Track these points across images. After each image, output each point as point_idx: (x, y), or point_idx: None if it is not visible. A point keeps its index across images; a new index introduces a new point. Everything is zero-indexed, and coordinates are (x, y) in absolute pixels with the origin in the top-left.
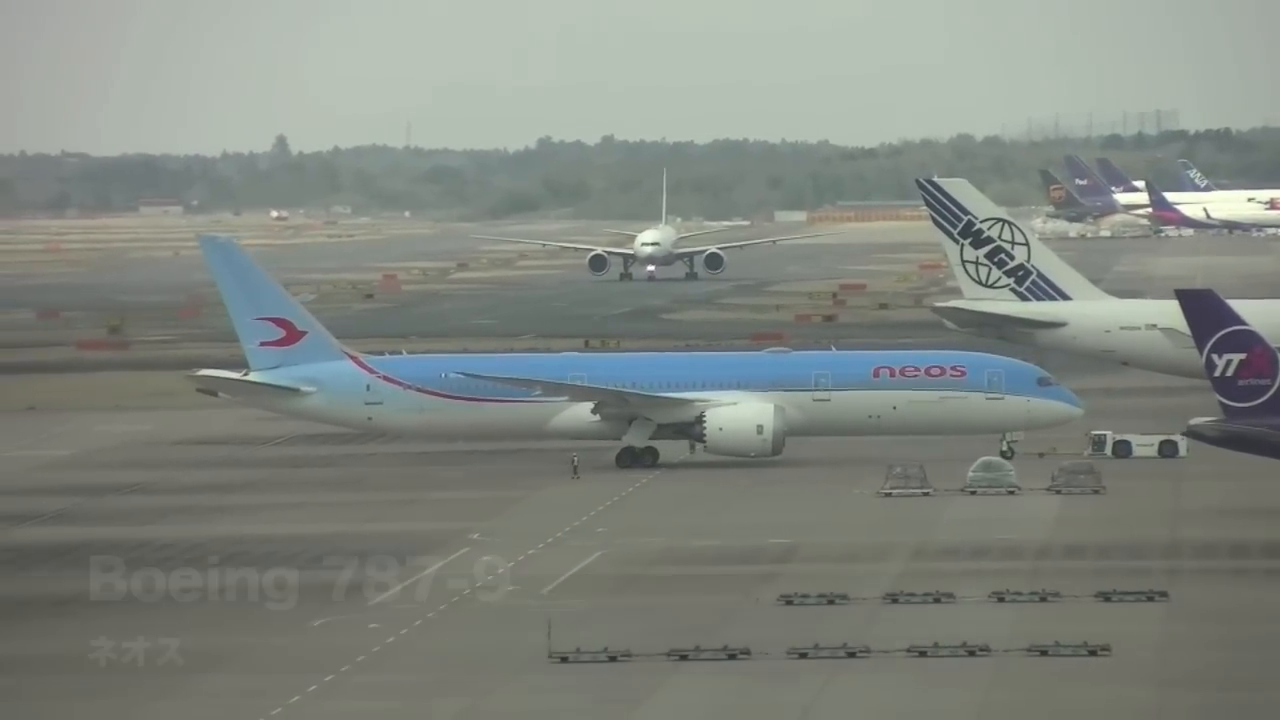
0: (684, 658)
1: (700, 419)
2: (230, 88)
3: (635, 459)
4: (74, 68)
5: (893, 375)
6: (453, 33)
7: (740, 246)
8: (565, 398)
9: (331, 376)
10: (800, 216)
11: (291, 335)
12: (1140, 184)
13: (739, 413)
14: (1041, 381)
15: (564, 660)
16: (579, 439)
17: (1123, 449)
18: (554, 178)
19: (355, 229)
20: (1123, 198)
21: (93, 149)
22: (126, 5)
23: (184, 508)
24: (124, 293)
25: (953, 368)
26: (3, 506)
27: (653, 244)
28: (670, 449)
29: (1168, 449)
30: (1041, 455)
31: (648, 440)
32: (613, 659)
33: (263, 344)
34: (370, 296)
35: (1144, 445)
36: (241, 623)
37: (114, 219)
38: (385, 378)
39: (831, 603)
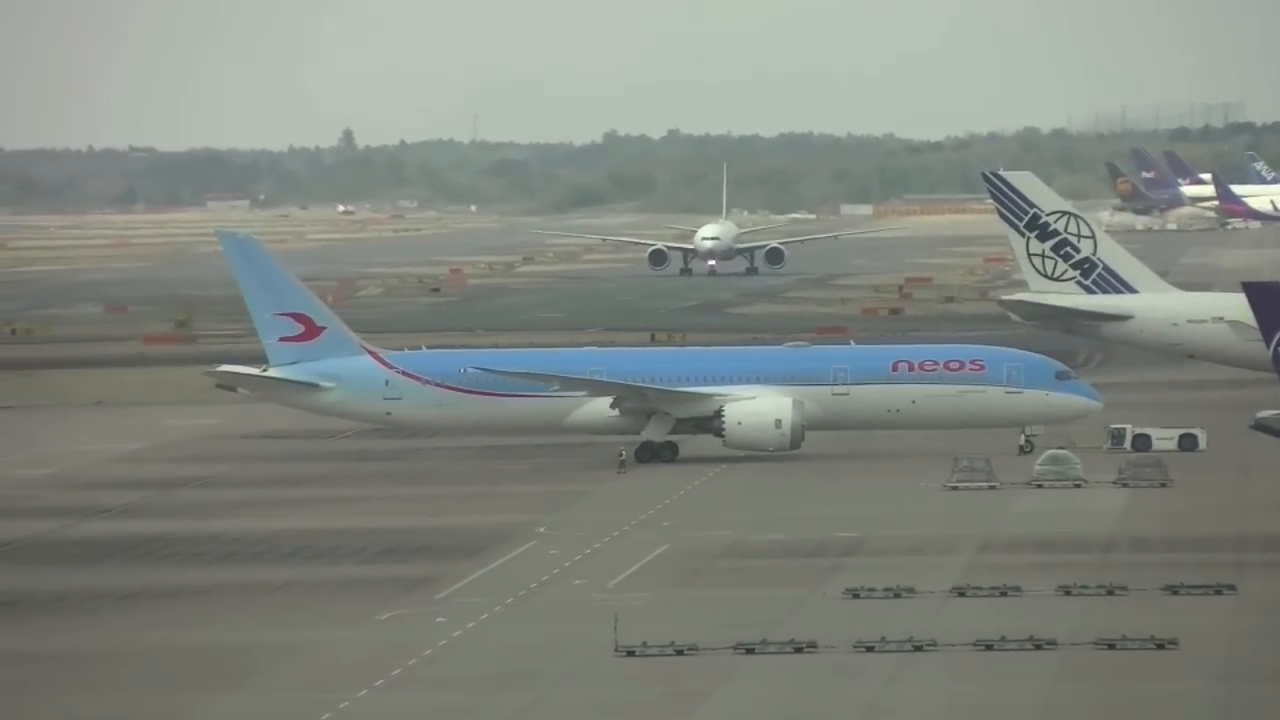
0: (750, 651)
1: (719, 413)
2: (296, 82)
3: (654, 454)
4: (142, 63)
5: (911, 370)
6: (519, 27)
7: (801, 241)
8: (583, 393)
9: (350, 372)
10: (866, 210)
11: (310, 331)
12: (1207, 176)
13: (757, 407)
14: (1060, 375)
15: (630, 654)
16: (598, 434)
17: (1142, 442)
18: (619, 171)
19: (421, 223)
20: (1189, 190)
21: (160, 144)
22: (194, 3)
23: (251, 501)
24: (191, 287)
25: (971, 362)
26: (72, 500)
27: (713, 239)
28: (689, 444)
29: (1187, 442)
30: (1060, 449)
31: (667, 435)
32: (679, 652)
33: (282, 339)
34: (436, 290)
35: (1163, 438)
36: (309, 617)
37: (181, 213)
38: (404, 373)
39: (898, 596)
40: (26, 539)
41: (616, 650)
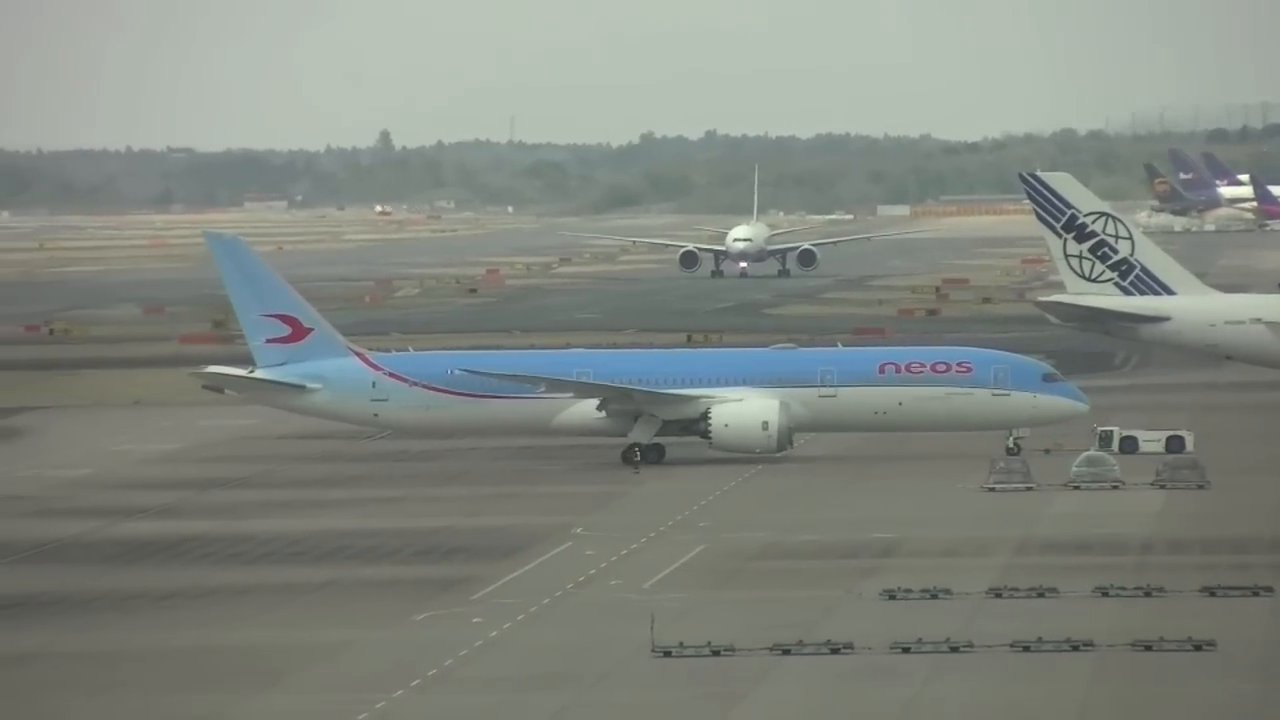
0: (786, 652)
1: (705, 415)
2: (334, 83)
3: (641, 456)
4: (180, 64)
5: (898, 371)
6: (556, 27)
7: (834, 243)
8: (570, 394)
9: (337, 373)
10: (903, 211)
11: (298, 332)
12: (1245, 177)
13: (744, 409)
14: (1047, 377)
15: (666, 654)
16: (584, 436)
17: (1129, 445)
18: (656, 172)
19: (458, 223)
20: (1227, 191)
21: (198, 144)
22: (232, 3)
23: (288, 502)
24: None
25: (958, 364)
26: (109, 500)
27: (745, 240)
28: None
29: (1174, 444)
30: (1047, 451)
31: (653, 437)
32: (715, 653)
33: (269, 341)
34: (473, 291)
35: (1150, 441)
36: (345, 617)
37: (219, 214)
38: (391, 375)
39: (934, 597)
40: (64, 539)
41: (653, 651)
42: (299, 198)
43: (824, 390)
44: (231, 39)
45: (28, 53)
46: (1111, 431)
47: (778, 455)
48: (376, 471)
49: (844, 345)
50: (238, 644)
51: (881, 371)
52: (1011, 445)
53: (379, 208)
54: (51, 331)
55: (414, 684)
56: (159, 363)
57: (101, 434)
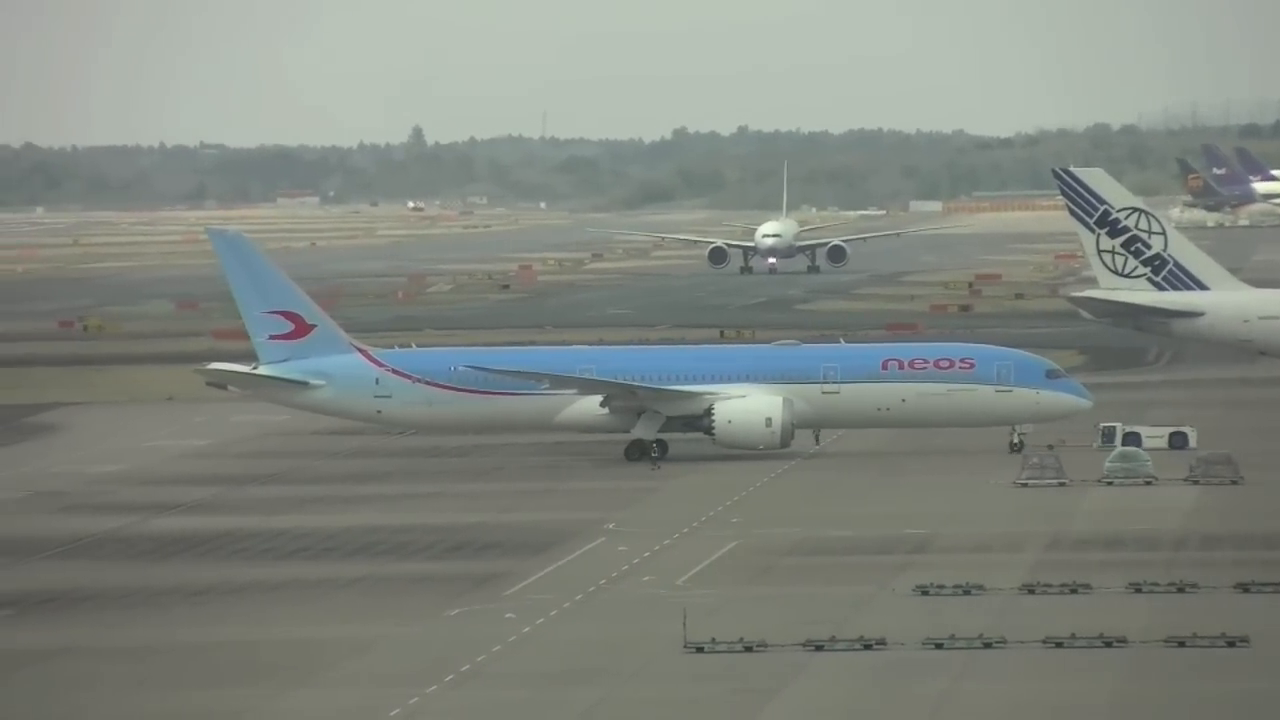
0: (819, 648)
1: (709, 412)
2: (366, 79)
3: (644, 452)
4: (213, 61)
5: (901, 368)
6: (589, 23)
7: (864, 239)
8: (574, 391)
9: (340, 370)
10: (936, 206)
11: (301, 329)
12: (1278, 172)
13: (747, 405)
14: (1050, 374)
15: (699, 650)
16: (588, 432)
17: (1131, 441)
18: (688, 168)
19: (491, 219)
20: (1261, 186)
21: (230, 141)
22: (264, 1)
23: (321, 497)
24: None
25: (961, 360)
26: (142, 496)
27: (774, 236)
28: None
29: (1178, 440)
30: (1050, 448)
31: (657, 433)
32: (748, 649)
33: (272, 337)
34: (506, 287)
35: (1154, 437)
36: (378, 612)
37: (251, 210)
38: (394, 371)
39: (967, 593)
40: (97, 535)
41: (685, 647)
42: (332, 194)
43: (827, 387)
44: (264, 35)
45: (62, 50)
46: (1114, 427)
47: (790, 451)
48: (408, 467)
49: (846, 341)
50: (270, 639)
51: (885, 368)
52: (1015, 441)
53: (411, 203)
54: (85, 327)
55: (447, 679)
56: (192, 359)
57: (134, 430)
